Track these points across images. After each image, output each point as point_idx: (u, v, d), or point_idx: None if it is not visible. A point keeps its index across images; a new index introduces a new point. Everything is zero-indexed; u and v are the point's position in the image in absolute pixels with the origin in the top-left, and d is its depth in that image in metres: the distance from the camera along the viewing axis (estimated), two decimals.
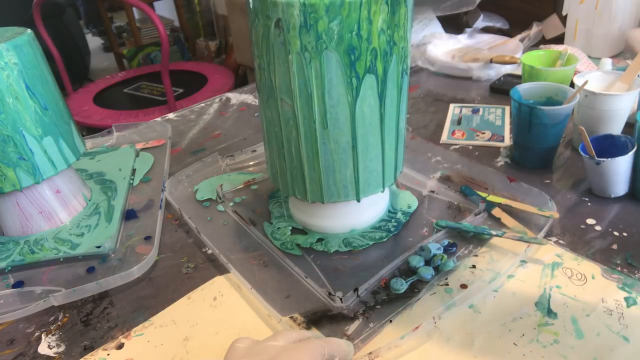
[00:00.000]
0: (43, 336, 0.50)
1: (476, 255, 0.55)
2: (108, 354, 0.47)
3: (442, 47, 1.14)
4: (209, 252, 0.59)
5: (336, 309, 0.49)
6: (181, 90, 1.92)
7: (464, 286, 0.51)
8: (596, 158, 0.59)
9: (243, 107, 1.00)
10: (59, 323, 0.52)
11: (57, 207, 0.64)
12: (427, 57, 1.10)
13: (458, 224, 0.58)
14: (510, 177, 0.64)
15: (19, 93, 0.56)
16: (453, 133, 0.81)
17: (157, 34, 2.00)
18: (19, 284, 0.56)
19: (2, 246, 0.62)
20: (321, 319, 0.48)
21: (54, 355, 0.48)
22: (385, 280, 0.52)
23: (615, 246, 0.55)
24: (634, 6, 1.02)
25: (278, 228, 0.61)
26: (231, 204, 0.67)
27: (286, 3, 0.43)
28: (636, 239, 0.56)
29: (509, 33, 1.21)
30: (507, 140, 0.77)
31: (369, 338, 0.46)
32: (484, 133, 0.80)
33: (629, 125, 0.69)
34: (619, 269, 0.52)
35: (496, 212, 0.60)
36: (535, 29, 1.15)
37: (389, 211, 0.62)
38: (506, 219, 0.59)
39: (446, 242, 0.56)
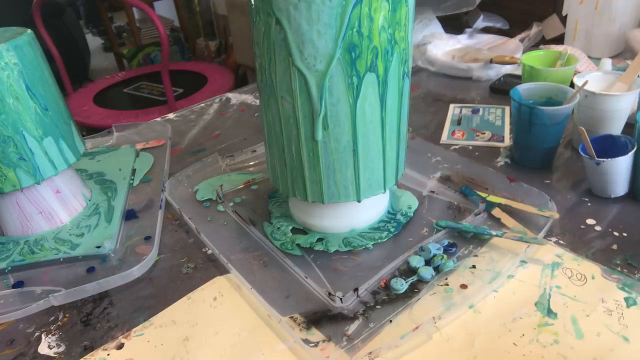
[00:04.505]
0: (43, 336, 0.50)
1: (476, 256, 0.55)
2: (108, 354, 0.47)
3: (442, 47, 1.14)
4: (209, 252, 0.59)
5: (336, 309, 0.49)
6: (181, 90, 1.92)
7: (464, 286, 0.51)
8: (596, 158, 0.59)
9: (243, 107, 1.00)
10: (59, 323, 0.52)
11: (57, 207, 0.64)
12: (427, 57, 1.10)
13: (458, 224, 0.58)
14: (510, 177, 0.64)
15: (19, 93, 0.56)
16: (453, 133, 0.81)
17: (157, 34, 2.00)
18: (19, 284, 0.56)
19: (2, 246, 0.62)
20: (321, 319, 0.48)
21: (54, 355, 0.48)
22: (385, 280, 0.52)
23: (615, 246, 0.55)
24: (634, 6, 1.02)
25: (278, 228, 0.61)
26: (231, 204, 0.67)
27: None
28: (636, 239, 0.56)
29: (509, 33, 1.21)
30: (507, 141, 0.77)
31: (369, 338, 0.46)
32: (484, 133, 0.80)
33: (629, 126, 0.69)
34: (619, 269, 0.52)
35: (496, 212, 0.60)
36: (535, 29, 1.15)
37: (389, 212, 0.62)
38: (506, 219, 0.59)
39: (446, 242, 0.56)
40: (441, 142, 0.80)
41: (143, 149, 0.83)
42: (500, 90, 0.95)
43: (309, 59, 0.45)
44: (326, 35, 0.44)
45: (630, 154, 0.59)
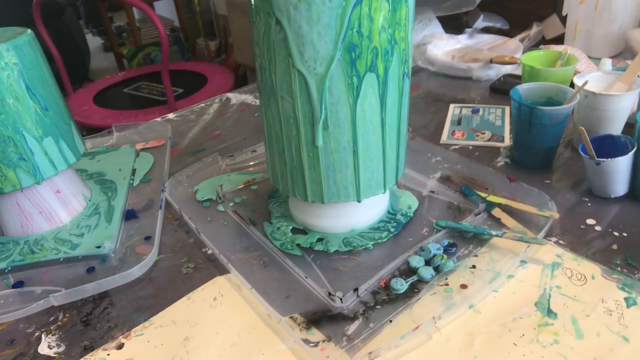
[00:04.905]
0: (43, 336, 0.50)
1: (476, 256, 0.55)
2: (108, 354, 0.47)
3: (442, 47, 1.14)
4: (209, 252, 0.59)
5: (336, 309, 0.49)
6: (181, 90, 1.92)
7: (464, 286, 0.51)
8: (596, 158, 0.59)
9: (243, 107, 1.00)
10: (59, 323, 0.52)
11: (57, 207, 0.64)
12: (427, 57, 1.10)
13: (458, 224, 0.58)
14: (510, 177, 0.64)
15: (19, 93, 0.56)
16: (453, 133, 0.81)
17: (157, 34, 2.00)
18: (19, 284, 0.56)
19: (2, 246, 0.62)
20: (321, 319, 0.48)
21: (54, 355, 0.48)
22: (385, 280, 0.52)
23: (615, 246, 0.55)
24: (634, 6, 1.02)
25: (278, 228, 0.61)
26: (231, 204, 0.67)
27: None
28: (636, 239, 0.56)
29: (509, 33, 1.21)
30: (507, 141, 0.77)
31: (369, 338, 0.46)
32: (484, 133, 0.80)
33: (629, 126, 0.69)
34: (619, 269, 0.52)
35: (496, 212, 0.60)
36: (535, 29, 1.16)
37: (389, 212, 0.62)
38: (506, 219, 0.59)
39: (446, 242, 0.56)
40: (441, 142, 0.80)
41: (143, 149, 0.83)
42: (500, 90, 0.95)
43: (309, 62, 0.45)
44: (326, 36, 0.44)
45: (630, 154, 0.59)
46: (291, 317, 0.49)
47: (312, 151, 0.51)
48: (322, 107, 0.47)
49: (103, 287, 0.55)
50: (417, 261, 0.53)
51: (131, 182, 0.74)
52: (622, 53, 1.06)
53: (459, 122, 0.85)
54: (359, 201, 0.54)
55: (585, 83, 0.66)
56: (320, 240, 0.58)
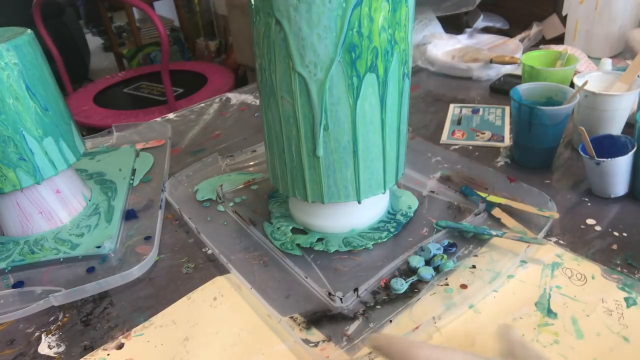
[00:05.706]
0: (43, 336, 0.50)
1: (476, 256, 0.55)
2: (108, 354, 0.47)
3: (442, 47, 1.14)
4: (209, 252, 0.59)
5: (336, 309, 0.49)
6: (181, 90, 1.92)
7: (464, 286, 0.51)
8: (596, 158, 0.59)
9: (243, 107, 1.00)
10: (59, 323, 0.52)
11: (57, 207, 0.64)
12: (427, 57, 1.10)
13: (458, 224, 0.58)
14: (510, 177, 0.64)
15: (19, 93, 0.56)
16: (453, 133, 0.81)
17: (157, 34, 2.00)
18: (19, 284, 0.56)
19: (2, 246, 0.62)
20: (321, 319, 0.48)
21: (54, 355, 0.48)
22: (385, 280, 0.52)
23: (615, 246, 0.55)
24: (634, 6, 1.02)
25: (278, 228, 0.61)
26: (231, 204, 0.67)
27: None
28: (636, 239, 0.56)
29: (509, 33, 1.21)
30: (507, 141, 0.77)
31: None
32: (484, 133, 0.80)
33: (629, 126, 0.69)
34: (619, 269, 0.52)
35: (496, 212, 0.60)
36: (535, 29, 1.16)
37: (389, 212, 0.62)
38: (506, 219, 0.59)
39: (446, 242, 0.56)
40: (441, 142, 0.80)
41: (143, 149, 0.83)
42: (500, 90, 0.95)
43: (310, 66, 0.45)
44: (327, 39, 0.44)
45: (630, 154, 0.59)
46: (291, 317, 0.49)
47: (312, 151, 0.51)
48: (322, 111, 0.47)
49: (103, 287, 0.55)
50: (417, 261, 0.53)
51: (131, 182, 0.74)
52: (622, 53, 1.06)
53: (459, 122, 0.85)
54: (359, 201, 0.54)
55: (585, 83, 0.66)
56: (320, 240, 0.58)
